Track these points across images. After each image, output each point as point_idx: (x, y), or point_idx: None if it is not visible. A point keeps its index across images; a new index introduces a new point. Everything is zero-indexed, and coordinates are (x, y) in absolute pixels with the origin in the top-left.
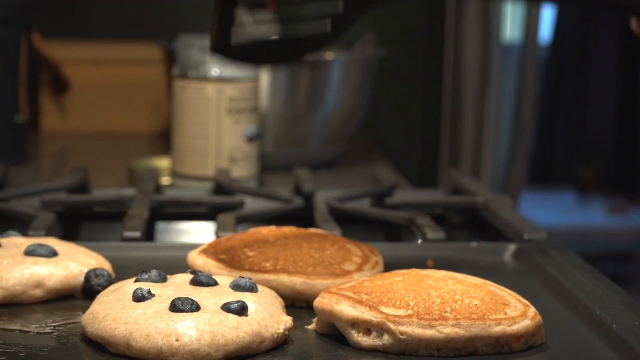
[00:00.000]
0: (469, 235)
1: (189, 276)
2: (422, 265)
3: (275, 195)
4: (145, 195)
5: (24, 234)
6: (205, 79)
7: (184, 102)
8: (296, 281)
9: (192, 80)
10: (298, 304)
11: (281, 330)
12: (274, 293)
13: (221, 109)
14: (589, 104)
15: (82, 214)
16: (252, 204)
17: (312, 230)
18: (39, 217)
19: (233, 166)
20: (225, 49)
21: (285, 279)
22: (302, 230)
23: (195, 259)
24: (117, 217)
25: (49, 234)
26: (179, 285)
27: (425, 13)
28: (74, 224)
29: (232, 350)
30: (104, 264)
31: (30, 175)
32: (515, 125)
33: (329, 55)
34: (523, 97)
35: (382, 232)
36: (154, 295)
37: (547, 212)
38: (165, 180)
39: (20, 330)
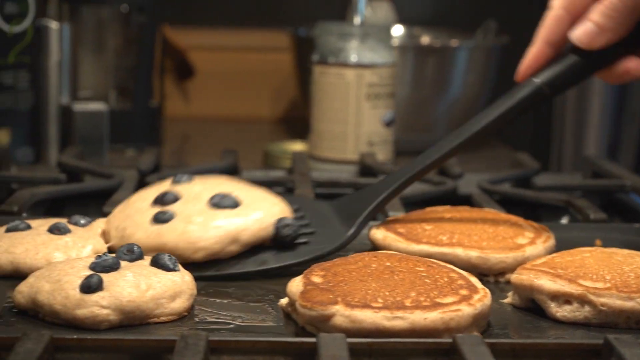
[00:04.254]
0: (613, 218)
1: None
2: (589, 245)
3: (425, 178)
4: (304, 177)
5: None
6: (345, 65)
7: (324, 88)
8: (471, 255)
9: (331, 66)
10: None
11: None
12: None
13: (360, 94)
14: None
15: None
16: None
17: (485, 209)
18: None
19: (370, 150)
20: None
21: (460, 252)
22: (475, 209)
23: (376, 232)
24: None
25: None
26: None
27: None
28: None
29: None
30: (286, 211)
31: (164, 158)
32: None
33: (453, 41)
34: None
35: (522, 215)
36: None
37: None
38: None
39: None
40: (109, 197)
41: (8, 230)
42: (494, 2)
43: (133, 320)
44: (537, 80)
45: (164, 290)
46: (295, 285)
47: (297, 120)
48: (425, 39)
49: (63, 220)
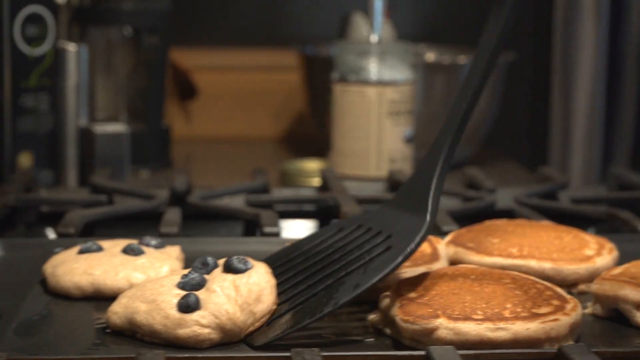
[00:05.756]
0: None
1: None
2: None
3: (459, 193)
4: (343, 193)
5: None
6: (366, 82)
7: (345, 106)
8: (545, 266)
9: (352, 84)
10: None
11: None
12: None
13: (382, 112)
14: None
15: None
16: (444, 202)
17: (542, 222)
18: (264, 214)
19: (392, 167)
20: None
21: (534, 264)
22: (532, 222)
23: (445, 249)
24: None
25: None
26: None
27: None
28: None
29: None
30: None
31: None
32: None
33: (461, 58)
34: None
35: None
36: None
37: None
38: (316, 181)
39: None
40: (144, 218)
41: (81, 252)
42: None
43: (231, 337)
44: None
45: (248, 295)
46: (389, 300)
47: (304, 139)
48: (430, 56)
49: (134, 242)
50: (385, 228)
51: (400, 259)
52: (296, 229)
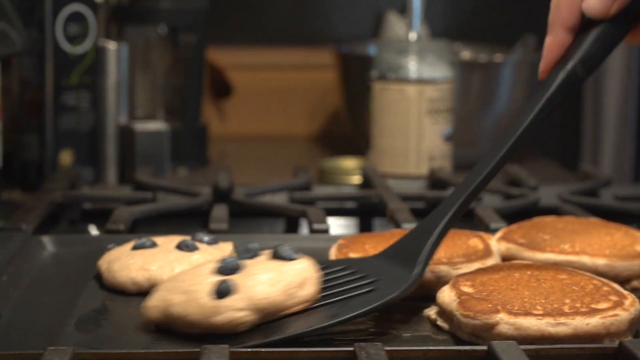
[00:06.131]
0: None
1: None
2: None
3: (502, 190)
4: (388, 191)
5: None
6: (406, 80)
7: (384, 104)
8: (598, 263)
9: (392, 82)
10: None
11: None
12: None
13: (421, 110)
14: None
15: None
16: (488, 200)
17: (590, 219)
18: (311, 211)
19: (431, 165)
20: None
21: (587, 260)
22: (581, 218)
23: (496, 245)
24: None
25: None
26: None
27: None
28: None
29: None
30: None
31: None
32: None
33: (497, 56)
34: None
35: None
36: None
37: None
38: (355, 179)
39: None
40: (185, 215)
41: (135, 248)
42: (528, 16)
43: (269, 316)
44: (568, 65)
45: (293, 279)
46: (447, 295)
47: (338, 137)
48: (466, 54)
49: (187, 238)
50: (371, 273)
51: (377, 304)
52: (339, 227)
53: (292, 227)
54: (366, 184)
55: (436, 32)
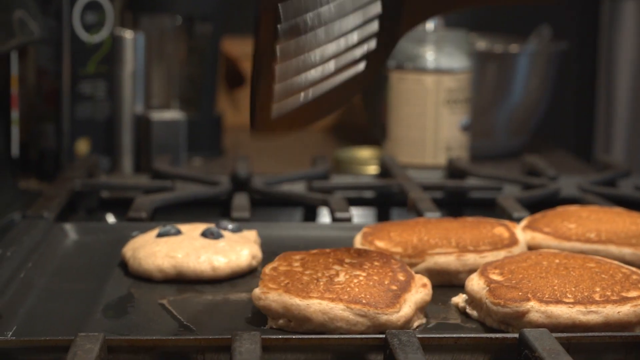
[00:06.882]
0: None
1: None
2: None
3: (521, 180)
4: (409, 181)
5: None
6: (424, 70)
7: (401, 94)
8: (625, 252)
9: (409, 72)
10: None
11: None
12: None
13: (439, 100)
14: None
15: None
16: (508, 189)
17: (614, 208)
18: (333, 200)
19: (449, 155)
20: (267, 125)
21: (614, 249)
22: (605, 207)
23: (521, 233)
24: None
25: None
26: None
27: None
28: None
29: None
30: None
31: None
32: None
33: (513, 47)
34: None
35: None
36: None
37: None
38: (372, 169)
39: None
40: (202, 203)
41: (159, 235)
42: (543, 7)
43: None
44: None
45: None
46: (476, 283)
47: (353, 127)
48: (481, 45)
49: (211, 225)
50: None
51: None
52: (357, 216)
53: (309, 216)
54: (385, 173)
55: (451, 23)
